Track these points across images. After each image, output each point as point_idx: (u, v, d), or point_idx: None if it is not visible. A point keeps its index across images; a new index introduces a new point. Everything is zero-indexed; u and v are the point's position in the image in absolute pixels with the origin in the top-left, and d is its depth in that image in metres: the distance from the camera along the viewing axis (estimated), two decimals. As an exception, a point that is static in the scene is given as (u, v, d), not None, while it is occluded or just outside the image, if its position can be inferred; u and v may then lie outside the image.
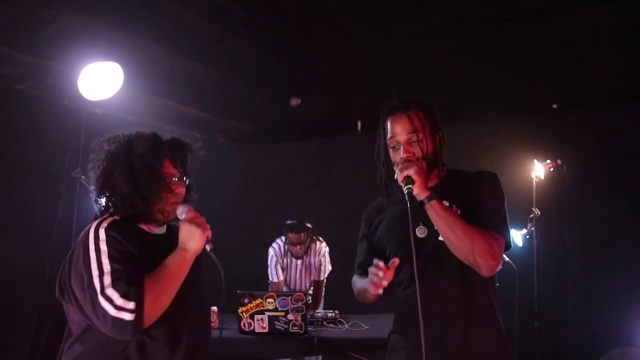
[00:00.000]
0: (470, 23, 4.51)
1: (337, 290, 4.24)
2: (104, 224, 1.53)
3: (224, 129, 5.68)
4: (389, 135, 1.77)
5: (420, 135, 1.72)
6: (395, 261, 1.66)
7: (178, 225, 1.69)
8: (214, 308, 3.27)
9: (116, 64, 3.44)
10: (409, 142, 1.72)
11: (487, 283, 1.72)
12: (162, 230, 1.71)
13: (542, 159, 4.01)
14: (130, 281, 1.44)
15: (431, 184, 1.75)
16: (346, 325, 3.27)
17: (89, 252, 1.48)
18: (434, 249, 1.70)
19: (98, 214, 1.63)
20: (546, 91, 4.55)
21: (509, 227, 1.74)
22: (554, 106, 4.56)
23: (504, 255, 1.85)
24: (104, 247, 1.49)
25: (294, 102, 5.44)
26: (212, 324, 3.23)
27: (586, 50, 4.28)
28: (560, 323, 4.09)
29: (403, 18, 4.60)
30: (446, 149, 1.80)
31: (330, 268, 4.12)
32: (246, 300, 2.98)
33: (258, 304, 2.97)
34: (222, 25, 4.57)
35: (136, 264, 1.49)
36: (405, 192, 1.62)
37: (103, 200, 1.62)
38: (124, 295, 1.42)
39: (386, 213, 1.90)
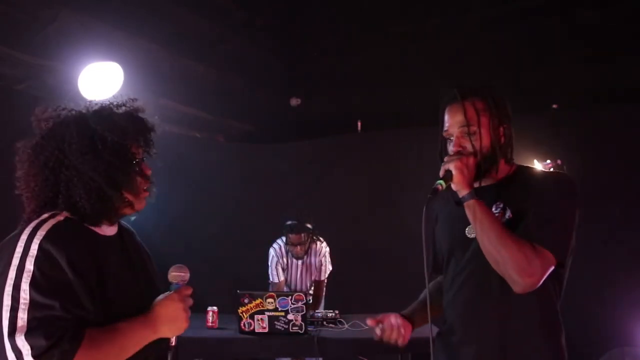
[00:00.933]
0: (470, 23, 4.51)
1: (337, 290, 4.25)
2: (42, 231, 1.16)
3: (224, 129, 5.68)
4: (444, 128, 1.62)
5: (474, 129, 1.55)
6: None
7: (128, 227, 1.44)
8: (214, 308, 3.27)
9: (116, 64, 3.44)
10: (461, 135, 1.57)
11: (540, 297, 1.52)
12: (113, 230, 1.35)
13: (542, 159, 4.01)
14: (52, 334, 1.06)
15: (490, 181, 1.62)
16: (346, 325, 3.27)
17: (8, 269, 1.11)
18: (480, 252, 1.53)
19: (28, 215, 1.28)
20: (546, 91, 4.55)
21: (568, 242, 1.51)
22: (554, 106, 4.56)
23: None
24: (29, 265, 1.11)
25: (294, 102, 5.44)
26: (213, 324, 3.23)
27: (586, 50, 4.29)
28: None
29: (403, 18, 4.60)
30: (512, 143, 1.62)
31: (330, 268, 4.12)
32: (246, 300, 2.98)
33: (258, 304, 2.97)
34: (222, 25, 4.57)
35: (69, 299, 1.11)
36: (434, 186, 1.51)
37: (36, 198, 1.27)
38: (38, 356, 1.04)
39: (444, 210, 1.75)
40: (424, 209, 1.48)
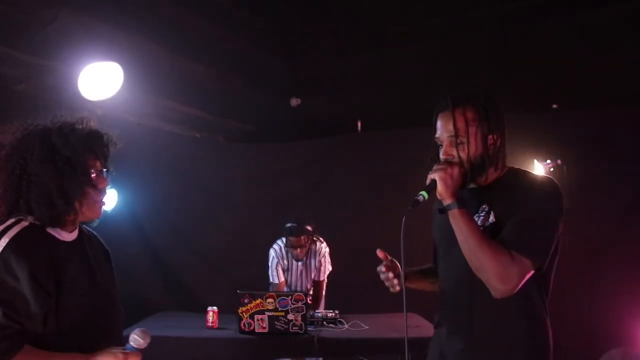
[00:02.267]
0: (470, 23, 4.51)
1: (338, 290, 4.25)
2: (5, 238, 1.28)
3: (224, 129, 5.68)
4: (436, 134, 1.68)
5: (462, 139, 1.61)
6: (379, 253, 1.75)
7: (89, 231, 1.54)
8: (214, 308, 3.27)
9: (116, 64, 3.44)
10: (450, 144, 1.63)
11: (518, 296, 1.57)
12: (73, 235, 1.47)
13: (542, 159, 4.01)
14: None
15: (479, 184, 1.68)
16: (346, 325, 3.27)
17: None
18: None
19: None
20: (546, 91, 4.55)
21: (548, 248, 1.59)
22: (554, 106, 4.56)
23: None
24: None
25: (294, 102, 5.44)
26: (213, 324, 3.23)
27: (586, 50, 4.29)
28: (560, 323, 4.08)
29: (403, 18, 4.59)
30: (504, 150, 1.66)
31: (330, 268, 4.12)
32: (246, 300, 2.99)
33: (258, 304, 2.98)
34: (222, 25, 4.56)
35: (14, 308, 1.23)
36: (416, 198, 1.57)
37: (5, 202, 1.38)
38: None
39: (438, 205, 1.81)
40: (403, 220, 1.54)
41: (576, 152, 4.13)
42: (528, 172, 1.71)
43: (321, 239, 4.10)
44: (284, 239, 4.02)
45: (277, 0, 4.50)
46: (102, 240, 1.64)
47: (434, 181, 1.59)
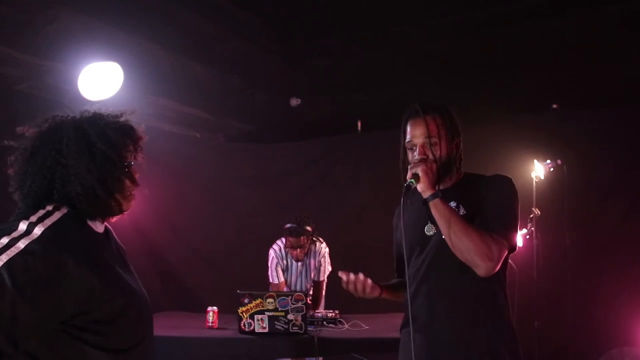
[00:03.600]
0: (470, 23, 4.51)
1: (337, 290, 4.25)
2: (48, 221, 1.26)
3: (224, 129, 5.68)
4: (407, 138, 1.87)
5: (435, 140, 1.81)
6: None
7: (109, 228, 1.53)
8: (214, 308, 3.27)
9: (116, 64, 3.44)
10: (424, 145, 1.82)
11: (491, 283, 1.76)
12: (102, 228, 1.46)
13: (542, 159, 4.02)
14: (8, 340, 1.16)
15: (444, 186, 1.85)
16: (346, 325, 3.27)
17: None
18: (440, 247, 1.77)
19: (22, 210, 1.33)
20: (546, 91, 4.55)
21: (516, 230, 1.78)
22: (554, 106, 4.56)
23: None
24: (21, 244, 1.19)
25: (294, 102, 5.44)
26: (213, 324, 3.23)
27: (586, 50, 4.29)
28: (560, 323, 4.09)
29: (403, 18, 4.59)
30: (462, 154, 1.89)
31: (330, 269, 4.11)
32: (246, 300, 2.98)
33: (258, 304, 2.97)
34: (222, 25, 4.56)
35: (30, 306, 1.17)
36: (405, 185, 1.76)
37: (32, 195, 1.33)
38: None
39: (405, 213, 1.94)
40: (402, 200, 1.79)
41: (576, 152, 4.13)
42: (483, 175, 1.91)
43: (321, 239, 4.10)
44: (283, 240, 4.01)
45: (277, 0, 4.50)
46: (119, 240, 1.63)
47: (416, 175, 1.75)
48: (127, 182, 1.42)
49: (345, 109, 5.32)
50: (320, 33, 4.93)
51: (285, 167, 5.38)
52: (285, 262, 4.06)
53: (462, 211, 1.80)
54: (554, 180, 4.02)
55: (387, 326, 3.19)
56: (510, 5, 4.34)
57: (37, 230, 1.23)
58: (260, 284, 4.13)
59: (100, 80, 3.39)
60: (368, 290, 1.89)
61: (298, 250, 3.91)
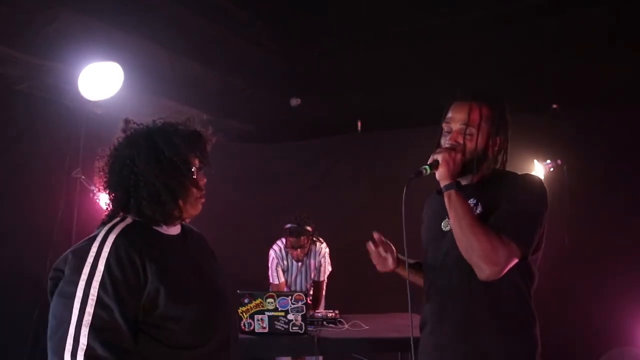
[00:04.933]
0: (470, 23, 4.51)
1: (338, 290, 4.25)
2: (113, 234, 1.36)
3: (224, 129, 5.68)
4: (446, 120, 1.73)
5: (472, 130, 1.67)
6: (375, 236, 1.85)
7: (189, 225, 1.62)
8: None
9: (116, 64, 3.44)
10: (459, 132, 1.68)
11: (508, 289, 1.61)
12: (177, 230, 1.56)
13: (542, 159, 4.02)
14: (107, 344, 1.24)
15: (467, 182, 1.73)
16: (346, 325, 3.27)
17: (79, 275, 1.30)
18: (455, 244, 1.63)
19: (106, 218, 1.47)
20: (546, 91, 4.55)
21: (533, 236, 1.61)
22: (554, 106, 4.56)
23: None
24: (101, 266, 1.30)
25: (294, 102, 5.44)
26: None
27: (586, 50, 4.29)
28: (560, 323, 4.09)
29: (403, 18, 4.59)
30: (505, 156, 1.74)
31: (330, 269, 4.12)
32: (246, 300, 2.98)
33: (258, 304, 2.97)
34: (222, 25, 4.56)
35: (128, 305, 1.30)
36: (419, 169, 1.64)
37: (111, 200, 1.46)
38: (88, 357, 1.23)
39: (427, 209, 1.89)
40: (405, 188, 1.62)
41: (576, 152, 4.13)
42: (514, 172, 1.76)
43: (321, 239, 4.10)
44: (283, 240, 4.01)
45: (277, 0, 4.50)
46: (207, 242, 1.74)
47: (435, 161, 1.64)
48: (192, 189, 1.48)
49: (345, 109, 5.32)
50: (320, 33, 4.93)
51: (285, 167, 5.38)
52: (285, 262, 4.06)
53: (479, 209, 1.66)
54: (554, 180, 4.02)
55: (387, 326, 3.19)
56: (510, 5, 4.34)
57: (107, 248, 1.32)
58: (260, 284, 4.13)
59: (100, 80, 3.39)
60: (389, 260, 1.84)
61: (298, 250, 3.91)
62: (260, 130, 5.71)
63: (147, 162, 1.41)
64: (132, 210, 1.44)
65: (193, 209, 1.53)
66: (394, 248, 1.90)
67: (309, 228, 3.90)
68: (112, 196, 1.46)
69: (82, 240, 1.39)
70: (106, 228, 1.39)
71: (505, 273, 1.57)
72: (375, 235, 1.88)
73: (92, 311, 1.26)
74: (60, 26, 3.35)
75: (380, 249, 1.87)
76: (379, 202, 4.76)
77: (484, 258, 1.54)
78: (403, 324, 3.14)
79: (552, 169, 4.00)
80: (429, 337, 1.74)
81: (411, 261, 1.90)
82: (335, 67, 5.22)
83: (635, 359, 3.61)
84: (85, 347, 1.23)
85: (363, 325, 3.24)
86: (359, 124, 5.36)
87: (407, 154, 4.70)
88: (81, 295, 1.27)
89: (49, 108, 3.73)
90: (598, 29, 4.22)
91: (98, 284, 1.28)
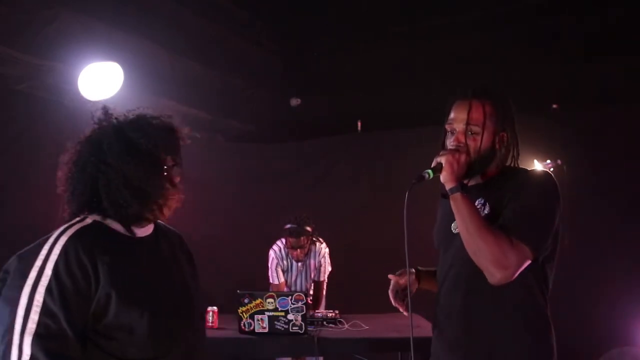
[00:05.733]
0: (470, 23, 4.51)
1: (338, 290, 4.25)
2: (64, 237, 1.26)
3: (224, 129, 5.68)
4: (449, 120, 1.68)
5: (477, 129, 1.60)
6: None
7: (165, 225, 1.51)
8: (214, 308, 3.27)
9: (116, 64, 3.44)
10: (463, 132, 1.62)
11: (521, 293, 1.56)
12: (147, 231, 1.43)
13: (542, 159, 4.01)
14: (50, 352, 1.16)
15: (476, 182, 1.68)
16: (346, 325, 3.27)
17: (29, 271, 1.21)
18: (464, 247, 1.58)
19: (67, 217, 1.36)
20: (546, 91, 4.55)
21: (544, 236, 1.56)
22: (554, 106, 4.56)
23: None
24: (48, 270, 1.21)
25: (294, 102, 5.44)
26: (213, 324, 3.23)
27: (586, 50, 4.29)
28: (560, 323, 4.08)
29: (403, 18, 4.60)
30: (515, 150, 1.69)
31: (330, 269, 4.11)
32: (246, 300, 2.98)
33: (258, 304, 2.97)
34: (222, 25, 4.57)
35: (75, 311, 1.21)
36: (421, 173, 1.59)
37: (74, 199, 1.34)
38: None
39: (440, 210, 1.83)
40: (407, 193, 1.57)
41: (576, 152, 4.13)
42: (523, 168, 1.71)
43: (321, 239, 4.09)
44: (283, 240, 4.01)
45: (277, 1, 4.50)
46: (186, 244, 1.63)
47: (439, 164, 1.59)
48: (167, 186, 1.38)
49: (345, 109, 5.32)
50: (320, 33, 4.93)
51: (285, 167, 5.38)
52: (285, 262, 4.06)
53: (487, 209, 1.60)
54: (554, 180, 4.02)
55: (387, 326, 3.19)
56: (510, 5, 4.34)
57: (56, 251, 1.24)
58: (260, 284, 4.13)
59: (100, 80, 3.38)
60: (408, 290, 1.76)
61: (298, 250, 3.91)
62: (260, 130, 5.71)
63: (118, 159, 1.31)
64: (95, 209, 1.33)
65: (167, 209, 1.41)
66: (412, 269, 1.85)
67: (308, 228, 3.90)
68: (75, 194, 1.34)
69: (34, 243, 1.29)
70: (60, 230, 1.29)
71: (518, 277, 1.51)
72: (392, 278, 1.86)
73: (36, 318, 1.18)
74: (60, 26, 3.35)
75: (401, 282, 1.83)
76: (379, 202, 4.76)
77: (493, 262, 1.48)
78: (403, 324, 3.14)
79: (552, 169, 4.00)
80: (439, 338, 1.71)
81: (430, 269, 1.89)
82: (335, 67, 5.23)
83: (635, 359, 3.61)
84: (29, 357, 1.15)
85: (363, 325, 3.24)
86: (359, 124, 5.36)
87: (407, 154, 4.72)
88: (25, 301, 1.19)
89: (49, 108, 3.73)
90: (598, 29, 4.22)
91: (44, 289, 1.20)
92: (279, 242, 4.06)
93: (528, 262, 1.52)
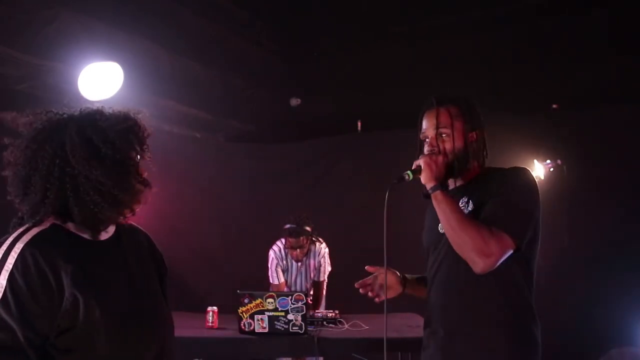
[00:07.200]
0: (470, 23, 4.51)
1: (338, 290, 4.24)
2: (20, 243, 1.14)
3: (224, 129, 5.68)
4: (421, 130, 1.83)
5: (447, 131, 1.74)
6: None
7: (131, 224, 1.42)
8: (214, 308, 3.27)
9: (116, 64, 3.44)
10: (435, 137, 1.76)
11: (506, 285, 1.65)
12: (109, 233, 1.32)
13: (542, 159, 4.02)
14: None
15: (460, 182, 1.79)
16: (346, 325, 3.27)
17: None
18: (450, 245, 1.68)
19: (17, 220, 1.24)
20: (546, 91, 4.55)
21: (524, 226, 1.64)
22: (554, 106, 4.56)
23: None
24: (2, 280, 1.10)
25: (294, 102, 5.44)
26: (213, 324, 3.23)
27: (586, 50, 4.28)
28: (560, 323, 4.08)
29: (403, 18, 4.59)
30: (485, 148, 1.81)
31: (329, 269, 4.11)
32: (246, 300, 2.98)
33: (258, 304, 2.97)
34: (222, 25, 4.56)
35: (32, 325, 1.10)
36: (401, 175, 1.73)
37: (28, 201, 1.21)
38: None
39: (427, 215, 1.92)
40: (387, 193, 1.74)
41: (576, 152, 4.13)
42: (504, 167, 1.80)
43: (320, 239, 4.09)
44: (283, 240, 4.01)
45: (277, 1, 4.50)
46: (155, 245, 1.56)
47: (418, 167, 1.72)
48: (137, 186, 1.29)
49: (345, 109, 5.32)
50: (320, 33, 4.93)
51: (285, 167, 5.38)
52: (285, 262, 4.06)
53: (470, 207, 1.70)
54: (554, 180, 4.02)
55: (387, 326, 3.19)
56: (510, 5, 4.34)
57: (11, 260, 1.11)
58: (260, 284, 4.13)
59: (100, 80, 3.39)
60: (387, 289, 1.86)
61: (298, 250, 3.91)
62: (260, 130, 5.71)
63: (85, 164, 1.19)
64: (50, 212, 1.21)
65: (135, 204, 1.30)
66: (397, 272, 1.93)
67: (308, 228, 3.90)
68: (31, 196, 1.21)
69: None
70: (14, 235, 1.16)
71: (502, 269, 1.60)
72: (370, 269, 1.96)
73: None
74: (60, 26, 3.35)
75: (378, 278, 1.93)
76: (379, 202, 4.75)
77: (476, 251, 1.58)
78: (403, 324, 3.14)
79: (552, 169, 4.01)
80: (430, 336, 1.79)
81: (416, 276, 1.96)
82: (335, 67, 5.22)
83: (635, 359, 3.61)
84: None
85: (363, 325, 3.24)
86: (359, 124, 5.36)
87: (407, 154, 4.71)
88: None
89: (49, 108, 3.73)
90: (598, 29, 4.21)
91: None
92: (278, 242, 4.06)
93: (510, 251, 1.60)
